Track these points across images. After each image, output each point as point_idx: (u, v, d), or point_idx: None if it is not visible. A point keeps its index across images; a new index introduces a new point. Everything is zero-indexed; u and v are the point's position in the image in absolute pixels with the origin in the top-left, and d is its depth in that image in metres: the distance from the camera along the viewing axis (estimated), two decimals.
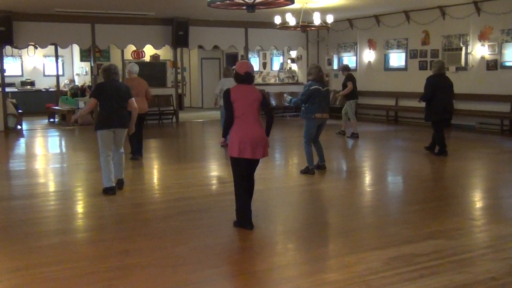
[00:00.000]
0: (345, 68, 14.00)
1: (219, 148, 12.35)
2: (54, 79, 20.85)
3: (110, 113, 7.54)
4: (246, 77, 5.96)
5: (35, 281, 4.45)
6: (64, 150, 13.28)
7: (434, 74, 10.58)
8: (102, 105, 7.63)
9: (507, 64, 14.08)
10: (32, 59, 21.94)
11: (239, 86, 5.97)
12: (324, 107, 8.83)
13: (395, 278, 4.41)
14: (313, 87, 8.69)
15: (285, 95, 9.08)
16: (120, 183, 7.84)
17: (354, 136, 13.41)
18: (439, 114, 10.48)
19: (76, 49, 20.80)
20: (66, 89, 20.81)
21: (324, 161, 9.19)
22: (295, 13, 12.93)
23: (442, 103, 10.43)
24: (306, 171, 8.87)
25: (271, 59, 22.27)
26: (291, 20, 12.82)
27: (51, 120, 18.44)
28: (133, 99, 7.86)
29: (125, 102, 7.71)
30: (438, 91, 10.36)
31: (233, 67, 6.79)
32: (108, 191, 7.52)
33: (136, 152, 10.37)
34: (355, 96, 13.53)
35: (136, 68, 10.71)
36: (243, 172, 5.93)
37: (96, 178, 8.96)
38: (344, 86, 13.55)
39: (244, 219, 5.92)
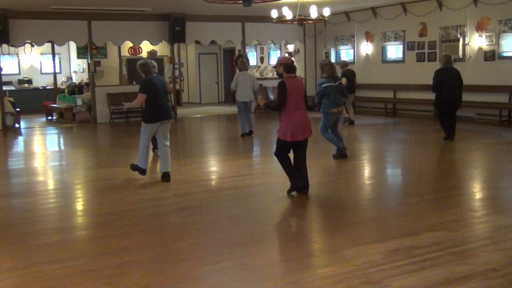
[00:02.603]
0: (343, 64, 15.00)
1: (218, 144, 12.37)
2: (51, 76, 20.80)
3: (159, 107, 7.87)
4: (293, 67, 6.95)
5: (34, 280, 4.44)
6: (62, 147, 13.27)
7: (441, 68, 11.27)
8: (150, 100, 7.83)
9: (505, 54, 14.06)
10: (29, 57, 21.88)
11: (291, 79, 6.86)
12: (338, 102, 9.37)
13: (395, 271, 4.41)
14: (324, 85, 9.18)
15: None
16: (166, 175, 8.08)
17: (350, 122, 14.50)
18: (444, 104, 11.17)
19: (73, 46, 20.74)
20: (64, 86, 20.78)
21: (344, 146, 9.61)
22: (292, 6, 12.88)
23: (448, 94, 11.06)
24: (339, 154, 9.45)
25: (269, 53, 22.22)
26: (288, 14, 12.78)
27: (49, 118, 18.41)
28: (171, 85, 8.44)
29: (168, 95, 8.13)
30: (445, 83, 11.03)
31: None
32: (143, 172, 8.15)
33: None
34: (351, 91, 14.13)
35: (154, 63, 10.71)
36: (288, 151, 6.97)
37: (95, 175, 8.97)
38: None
39: (297, 183, 6.95)
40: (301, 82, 7.10)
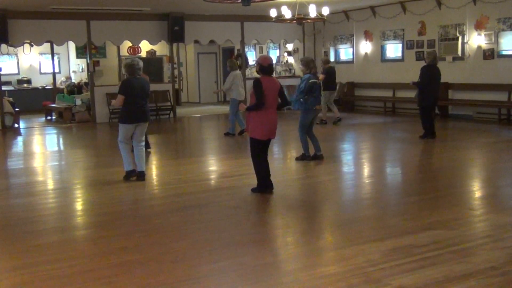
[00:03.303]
0: (326, 61, 15.13)
1: (217, 143, 12.36)
2: (51, 76, 20.76)
3: (135, 108, 7.90)
4: (269, 69, 7.00)
5: (34, 280, 4.44)
6: (62, 147, 13.26)
7: (429, 64, 11.38)
8: (127, 101, 7.88)
9: (504, 53, 14.06)
10: (28, 57, 21.87)
11: (266, 78, 6.93)
12: (320, 99, 9.31)
13: (394, 270, 4.41)
14: (311, 80, 8.98)
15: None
16: (141, 175, 8.13)
17: (323, 122, 14.36)
18: (431, 101, 11.42)
19: (72, 46, 20.72)
20: (63, 86, 20.75)
21: (321, 151, 9.35)
22: (291, 6, 12.88)
23: (434, 91, 11.41)
24: (303, 158, 9.24)
25: (268, 53, 22.19)
26: (287, 13, 12.77)
27: (48, 117, 18.39)
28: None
29: (148, 97, 8.17)
30: (432, 80, 11.28)
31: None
32: (130, 174, 8.11)
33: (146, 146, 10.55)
34: (327, 88, 14.15)
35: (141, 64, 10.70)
36: (262, 149, 7.06)
37: (94, 175, 8.97)
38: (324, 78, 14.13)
39: (264, 184, 7.07)
40: (276, 83, 7.06)
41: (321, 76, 13.86)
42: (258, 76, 7.10)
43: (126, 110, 7.94)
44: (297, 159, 9.32)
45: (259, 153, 7.07)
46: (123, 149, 8.11)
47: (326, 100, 14.21)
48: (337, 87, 15.67)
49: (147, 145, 10.64)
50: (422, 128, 11.52)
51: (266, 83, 6.86)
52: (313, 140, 9.34)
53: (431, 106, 11.54)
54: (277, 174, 8.64)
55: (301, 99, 9.02)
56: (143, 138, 8.28)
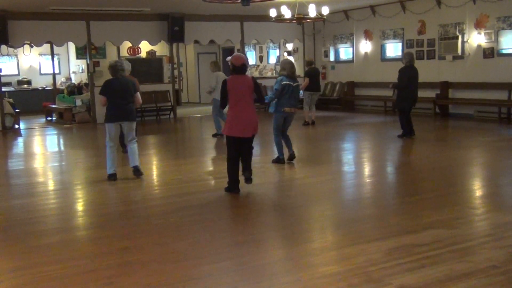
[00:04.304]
0: (309, 63, 15.03)
1: (218, 143, 12.34)
2: (51, 77, 20.78)
3: (117, 108, 8.13)
4: (242, 68, 7.07)
5: (35, 280, 4.44)
6: (62, 148, 13.26)
7: (407, 66, 11.50)
8: (109, 101, 8.17)
9: (504, 51, 14.06)
10: (28, 58, 21.90)
11: (235, 77, 7.05)
12: (292, 102, 9.06)
13: (395, 269, 4.41)
14: (284, 82, 8.92)
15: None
16: (136, 169, 8.38)
17: (305, 123, 14.23)
18: (409, 102, 11.52)
19: (71, 46, 20.72)
20: (63, 87, 20.75)
21: (292, 150, 9.25)
22: (290, 5, 12.89)
23: (412, 92, 11.50)
24: (277, 161, 9.21)
25: (268, 52, 22.21)
26: (287, 13, 12.78)
27: (49, 118, 18.41)
28: (138, 93, 8.48)
29: (131, 97, 8.29)
30: (410, 82, 11.40)
31: (228, 58, 7.29)
32: (110, 177, 8.22)
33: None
34: (309, 89, 14.10)
35: (126, 66, 10.69)
36: (235, 147, 7.09)
37: (95, 176, 8.96)
38: (310, 79, 14.16)
39: (234, 185, 7.15)
40: (246, 80, 7.11)
41: (306, 80, 14.06)
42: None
43: (107, 110, 8.20)
44: (273, 161, 9.26)
45: (233, 152, 7.12)
46: (107, 150, 8.28)
47: (308, 101, 14.21)
48: (321, 89, 15.57)
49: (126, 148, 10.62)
50: (400, 127, 11.69)
51: (233, 83, 7.01)
52: (286, 141, 9.26)
53: (409, 108, 11.57)
54: (277, 174, 8.65)
55: (273, 102, 9.01)
56: (134, 135, 8.45)
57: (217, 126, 12.88)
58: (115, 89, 8.14)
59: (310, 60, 15.33)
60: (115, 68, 8.22)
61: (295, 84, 9.08)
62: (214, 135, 12.93)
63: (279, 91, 8.89)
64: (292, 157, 9.22)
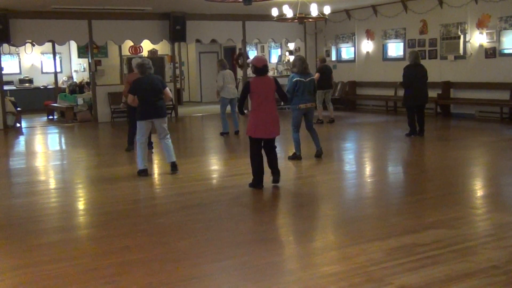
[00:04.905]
0: (322, 60, 15.02)
1: (219, 142, 12.36)
2: (52, 76, 20.79)
3: (148, 105, 8.25)
4: (263, 70, 7.24)
5: (36, 279, 4.45)
6: (63, 147, 13.27)
7: (411, 64, 11.64)
8: (140, 99, 8.27)
9: (506, 51, 14.04)
10: (30, 57, 21.89)
11: (257, 78, 7.22)
12: (307, 98, 9.17)
13: (396, 269, 4.41)
14: (295, 79, 9.05)
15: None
16: (174, 165, 8.57)
17: (319, 122, 14.15)
18: (413, 100, 11.60)
19: (73, 45, 20.73)
20: (65, 86, 20.78)
21: (320, 146, 9.50)
22: (292, 5, 12.87)
23: (417, 91, 11.53)
24: (294, 157, 9.31)
25: (269, 52, 22.20)
26: (288, 12, 12.76)
27: (50, 117, 18.42)
28: (167, 89, 8.49)
29: (161, 93, 8.37)
30: (415, 80, 11.45)
31: (249, 60, 7.41)
32: (141, 173, 8.40)
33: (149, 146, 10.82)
34: (320, 87, 13.95)
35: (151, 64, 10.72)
36: (258, 146, 7.29)
37: (96, 174, 8.98)
38: (320, 77, 14.15)
39: (259, 181, 7.27)
40: (269, 81, 7.28)
41: (316, 75, 13.95)
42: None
43: (139, 108, 8.31)
44: (289, 158, 9.39)
45: (255, 150, 7.28)
46: (139, 147, 8.46)
47: (320, 99, 14.23)
48: (333, 86, 15.63)
49: (150, 146, 10.76)
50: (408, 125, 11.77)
51: (256, 84, 7.17)
52: (314, 136, 9.52)
53: (415, 106, 11.64)
54: (280, 173, 8.63)
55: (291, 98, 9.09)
56: (166, 131, 8.54)
57: (224, 124, 12.90)
58: (145, 87, 8.22)
59: (322, 57, 15.33)
60: (143, 66, 8.30)
61: (307, 80, 9.15)
62: (221, 134, 12.97)
63: (291, 89, 9.00)
64: (319, 153, 9.41)
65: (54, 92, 20.22)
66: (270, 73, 20.77)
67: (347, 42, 18.82)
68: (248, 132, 7.27)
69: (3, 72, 16.29)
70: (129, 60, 20.89)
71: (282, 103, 10.40)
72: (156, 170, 9.57)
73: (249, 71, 19.12)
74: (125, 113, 16.64)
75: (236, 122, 13.05)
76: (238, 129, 13.01)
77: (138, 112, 8.40)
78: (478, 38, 14.50)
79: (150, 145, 10.93)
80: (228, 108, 13.12)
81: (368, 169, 9.20)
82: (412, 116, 11.65)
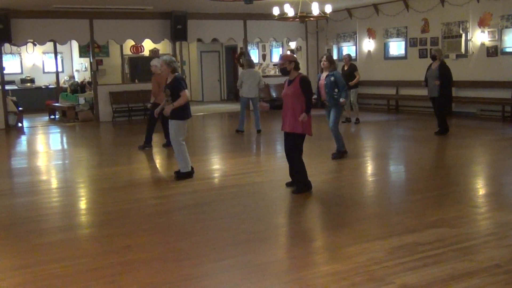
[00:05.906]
0: (351, 58, 14.53)
1: (221, 141, 12.36)
2: (54, 75, 20.82)
3: (188, 103, 7.99)
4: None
5: (38, 279, 4.45)
6: (65, 146, 13.28)
7: (444, 61, 11.69)
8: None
9: (508, 50, 14.01)
10: (31, 56, 21.91)
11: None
12: (327, 96, 9.21)
13: (398, 268, 4.40)
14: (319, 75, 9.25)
15: (341, 99, 9.18)
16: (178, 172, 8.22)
17: (346, 121, 14.22)
18: (431, 99, 11.79)
19: (75, 45, 20.74)
20: (66, 85, 20.77)
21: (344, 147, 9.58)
22: (293, 4, 12.85)
23: (429, 89, 11.69)
24: (341, 155, 9.32)
25: (271, 51, 22.19)
26: (290, 11, 12.75)
27: (52, 117, 18.43)
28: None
29: None
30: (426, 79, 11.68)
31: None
32: (190, 174, 8.08)
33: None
34: (352, 86, 13.83)
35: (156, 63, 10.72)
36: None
37: (98, 174, 8.98)
38: (350, 75, 13.73)
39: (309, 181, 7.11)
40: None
41: (357, 76, 13.93)
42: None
43: (183, 107, 7.93)
44: (334, 157, 9.29)
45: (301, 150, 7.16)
46: (182, 148, 8.03)
47: (354, 98, 14.10)
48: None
49: (149, 144, 11.04)
50: (438, 125, 11.74)
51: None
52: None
53: (435, 105, 11.70)
54: (278, 173, 8.63)
55: (335, 95, 9.05)
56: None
57: (241, 122, 13.03)
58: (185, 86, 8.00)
59: (350, 55, 14.75)
60: (175, 63, 8.04)
61: (323, 78, 9.17)
62: (237, 131, 13.06)
63: (342, 85, 9.07)
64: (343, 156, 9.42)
65: (55, 91, 20.23)
66: (271, 72, 20.88)
67: (349, 41, 18.80)
68: (310, 131, 7.09)
69: (4, 71, 16.29)
70: (131, 59, 21.05)
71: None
72: (157, 169, 9.57)
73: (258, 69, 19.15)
74: (126, 113, 16.76)
75: (258, 121, 12.98)
76: (260, 128, 12.97)
77: (180, 111, 7.91)
78: (479, 37, 14.47)
79: (149, 144, 11.03)
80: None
81: (369, 168, 9.19)
82: (439, 113, 11.65)
